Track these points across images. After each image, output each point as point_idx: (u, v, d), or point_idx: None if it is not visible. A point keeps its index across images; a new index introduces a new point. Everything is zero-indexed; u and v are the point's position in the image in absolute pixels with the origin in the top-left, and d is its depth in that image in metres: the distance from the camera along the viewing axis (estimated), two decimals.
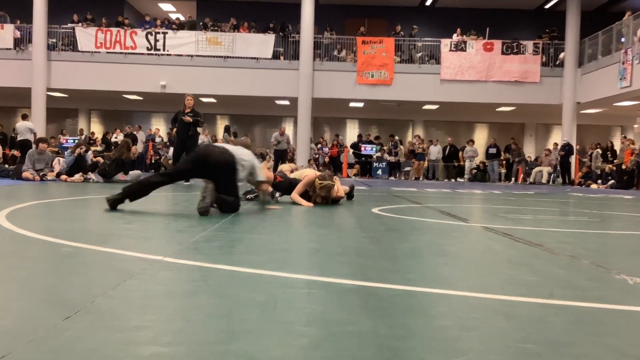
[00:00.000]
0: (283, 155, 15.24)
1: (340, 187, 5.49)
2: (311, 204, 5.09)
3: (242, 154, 4.47)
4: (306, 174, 5.55)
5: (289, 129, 19.68)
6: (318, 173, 5.46)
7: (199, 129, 9.45)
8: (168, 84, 16.20)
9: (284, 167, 5.96)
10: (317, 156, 17.23)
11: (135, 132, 17.10)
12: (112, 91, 16.93)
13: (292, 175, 5.80)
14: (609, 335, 1.36)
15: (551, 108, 17.20)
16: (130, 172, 9.12)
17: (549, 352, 1.21)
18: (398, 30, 17.24)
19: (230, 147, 4.50)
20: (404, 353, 1.18)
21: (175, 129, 9.20)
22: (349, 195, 5.96)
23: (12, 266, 2.04)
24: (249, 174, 4.46)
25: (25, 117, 13.16)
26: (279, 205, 4.97)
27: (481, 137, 20.01)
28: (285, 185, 5.51)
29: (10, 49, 16.38)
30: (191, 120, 8.84)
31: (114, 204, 4.04)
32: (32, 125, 12.96)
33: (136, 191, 4.21)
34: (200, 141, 16.21)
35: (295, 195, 5.22)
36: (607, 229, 4.31)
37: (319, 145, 17.86)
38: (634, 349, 1.27)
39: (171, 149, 12.19)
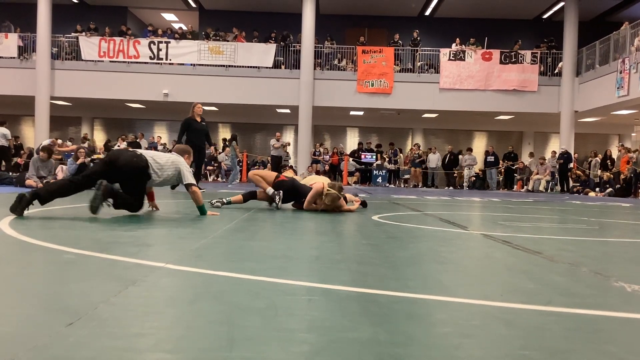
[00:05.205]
0: (278, 161, 15.25)
1: (345, 204, 5.43)
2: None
3: (167, 159, 4.45)
4: (315, 180, 5.52)
5: (289, 137, 19.73)
6: (329, 181, 5.42)
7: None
8: (170, 93, 16.29)
9: (288, 174, 6.00)
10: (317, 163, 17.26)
11: (138, 140, 17.18)
12: (115, 99, 17.00)
13: (302, 181, 5.73)
14: (608, 343, 1.37)
15: (549, 117, 17.25)
16: None
17: (548, 359, 1.22)
18: (397, 39, 17.33)
19: (148, 153, 4.47)
20: None
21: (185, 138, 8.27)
22: (363, 205, 6.16)
23: (15, 273, 2.05)
24: (175, 177, 4.50)
25: (2, 124, 12.74)
26: (218, 211, 4.84)
27: (480, 145, 20.05)
28: (288, 185, 5.41)
29: (14, 57, 16.48)
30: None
31: (21, 209, 3.79)
32: (7, 131, 12.64)
33: (52, 193, 4.02)
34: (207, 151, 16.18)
35: (307, 205, 5.34)
36: (605, 236, 4.31)
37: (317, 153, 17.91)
38: (632, 356, 1.28)
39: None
